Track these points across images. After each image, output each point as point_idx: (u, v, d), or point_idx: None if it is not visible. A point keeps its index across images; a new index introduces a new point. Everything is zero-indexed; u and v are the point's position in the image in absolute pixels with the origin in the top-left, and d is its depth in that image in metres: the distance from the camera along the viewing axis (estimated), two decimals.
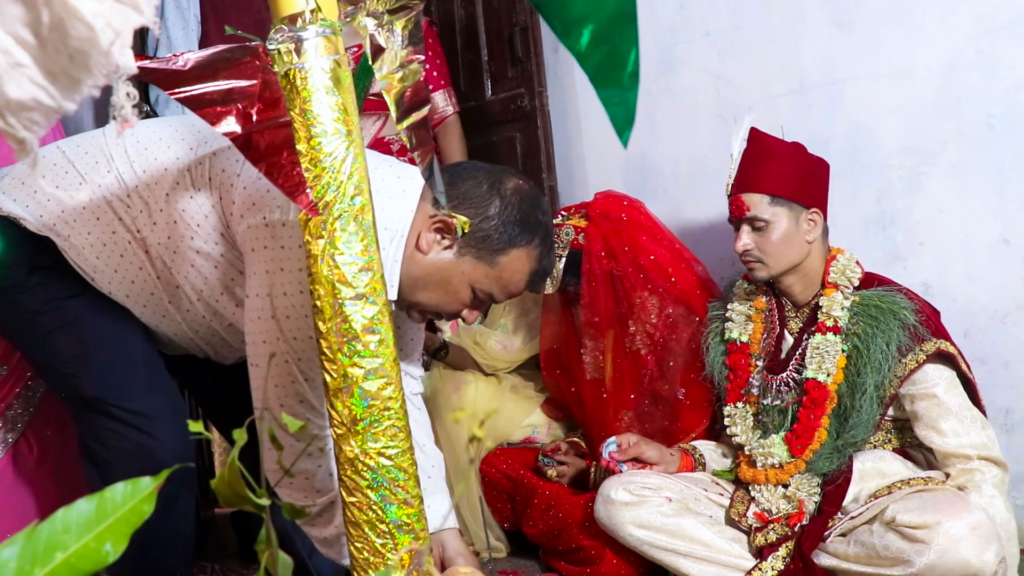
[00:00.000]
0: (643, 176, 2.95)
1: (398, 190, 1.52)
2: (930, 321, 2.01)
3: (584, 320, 2.44)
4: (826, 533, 1.99)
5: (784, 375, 2.14)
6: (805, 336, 2.12)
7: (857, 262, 2.13)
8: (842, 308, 2.06)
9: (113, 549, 0.65)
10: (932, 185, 2.38)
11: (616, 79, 0.90)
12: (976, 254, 2.32)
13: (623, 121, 0.91)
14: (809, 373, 2.07)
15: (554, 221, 2.51)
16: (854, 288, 2.09)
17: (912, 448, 2.11)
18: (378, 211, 1.27)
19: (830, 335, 2.06)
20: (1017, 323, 2.28)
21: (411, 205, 1.54)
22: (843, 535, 1.97)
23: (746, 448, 2.17)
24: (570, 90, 3.19)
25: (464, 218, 1.51)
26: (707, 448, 2.31)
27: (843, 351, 2.05)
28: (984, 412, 2.03)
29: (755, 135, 2.13)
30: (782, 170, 2.08)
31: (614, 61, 0.91)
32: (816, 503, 2.06)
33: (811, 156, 2.14)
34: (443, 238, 1.54)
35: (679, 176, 2.93)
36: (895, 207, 2.45)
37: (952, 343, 2.00)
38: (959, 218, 2.34)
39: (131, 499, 0.66)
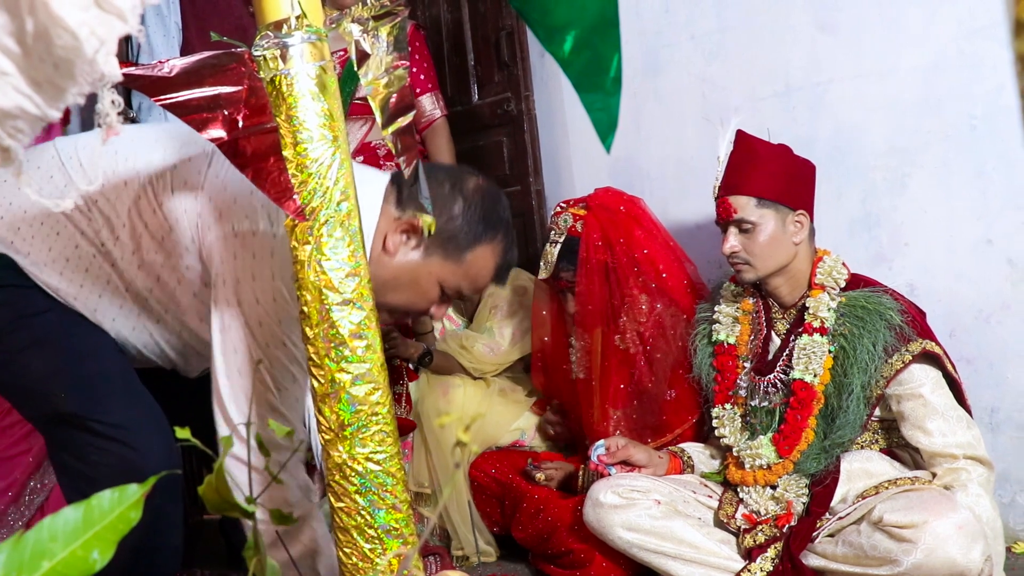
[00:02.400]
0: (629, 178, 2.95)
1: (368, 177, 1.53)
2: (916, 321, 2.02)
3: (577, 309, 2.44)
4: (814, 534, 2.00)
5: (771, 376, 2.15)
6: (792, 337, 2.13)
7: (843, 263, 2.14)
8: (828, 309, 2.07)
9: (100, 557, 0.65)
10: (916, 186, 2.40)
11: (599, 84, 0.91)
12: (960, 254, 2.34)
13: (606, 126, 0.91)
14: (796, 374, 2.08)
15: (554, 210, 2.54)
16: (840, 289, 2.10)
17: (899, 448, 2.12)
18: None
19: (817, 336, 2.07)
20: (1001, 323, 2.29)
21: (377, 198, 1.55)
22: (831, 535, 1.98)
23: (734, 450, 2.17)
24: (556, 94, 3.20)
25: (430, 218, 1.50)
26: (695, 450, 2.32)
27: (830, 352, 2.06)
28: (970, 411, 2.04)
29: (741, 137, 2.14)
30: (769, 172, 2.09)
31: (597, 66, 0.91)
32: (804, 504, 2.07)
33: (797, 158, 2.15)
34: (409, 239, 1.56)
35: (665, 178, 2.94)
36: (880, 208, 2.46)
37: (938, 343, 2.02)
38: (943, 218, 2.36)
39: (118, 506, 0.66)
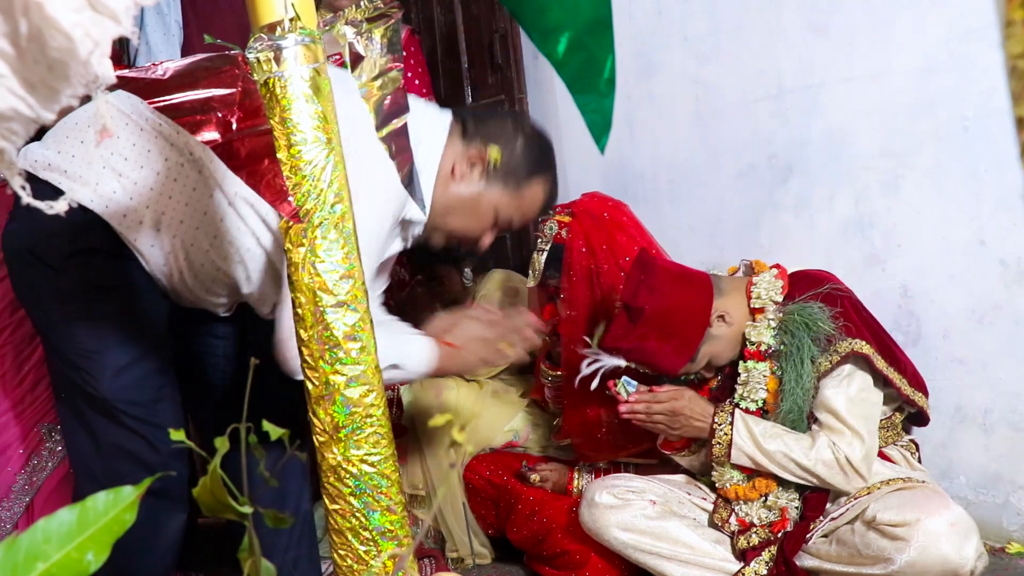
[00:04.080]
0: (623, 181, 2.96)
1: (433, 113, 1.67)
2: (849, 323, 2.01)
3: (563, 316, 2.44)
4: (808, 535, 2.00)
5: (728, 401, 2.14)
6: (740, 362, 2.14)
7: (778, 269, 2.14)
8: (768, 330, 2.06)
9: (95, 559, 0.64)
10: (909, 187, 2.40)
11: (593, 86, 0.91)
12: (953, 255, 2.34)
13: (600, 127, 0.92)
14: (740, 402, 2.09)
15: (542, 218, 2.54)
16: (778, 304, 2.08)
17: (891, 448, 2.12)
18: (415, 130, 1.46)
19: (753, 362, 2.07)
20: (994, 323, 2.30)
21: (443, 131, 1.69)
22: (825, 536, 1.99)
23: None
24: (550, 96, 3.20)
25: (497, 151, 1.69)
26: None
27: (773, 372, 2.06)
28: (913, 404, 2.07)
29: (615, 334, 2.09)
30: (668, 338, 2.06)
31: (591, 68, 0.91)
32: (798, 509, 2.07)
33: (663, 284, 2.07)
34: (474, 168, 1.72)
35: (658, 180, 2.94)
36: (873, 210, 2.47)
37: (869, 342, 2.01)
38: (936, 220, 2.36)
39: (113, 508, 0.66)
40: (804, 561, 1.99)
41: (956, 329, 2.33)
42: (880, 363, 2.00)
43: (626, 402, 2.10)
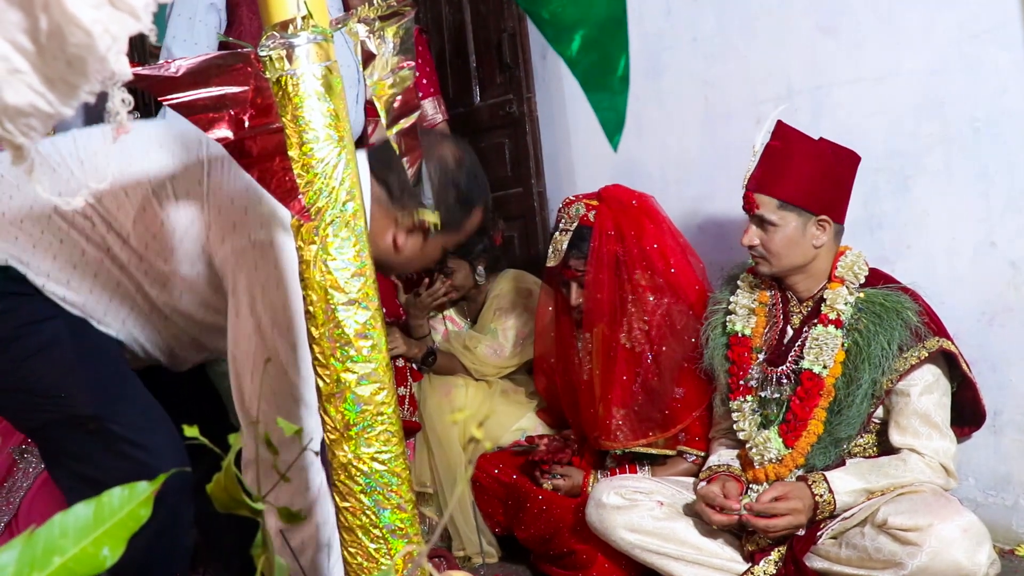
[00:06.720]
0: (631, 180, 2.94)
1: None
2: (932, 322, 2.04)
3: (586, 298, 2.43)
4: (818, 533, 1.99)
5: (783, 367, 2.14)
6: (806, 328, 2.13)
7: (865, 260, 2.15)
8: (846, 303, 2.08)
9: (111, 553, 0.65)
10: (918, 188, 2.40)
11: (606, 84, 0.91)
12: (963, 256, 2.34)
13: (613, 125, 0.92)
14: (805, 364, 2.08)
15: (563, 202, 2.54)
16: (860, 285, 2.11)
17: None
18: None
19: (831, 328, 2.07)
20: (1004, 325, 2.29)
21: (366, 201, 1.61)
22: (834, 537, 1.98)
23: (748, 443, 2.16)
24: (558, 95, 3.20)
25: (435, 217, 1.64)
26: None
27: (842, 345, 2.06)
28: (984, 412, 2.10)
29: (780, 131, 2.13)
30: (799, 175, 2.08)
31: (604, 66, 0.91)
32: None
33: (836, 157, 2.14)
34: (415, 234, 1.69)
35: (667, 180, 2.94)
36: (882, 211, 2.47)
37: (953, 343, 2.04)
38: (945, 221, 2.36)
39: (128, 503, 0.66)
40: (814, 563, 1.98)
41: (965, 331, 2.32)
42: (964, 364, 2.04)
43: (744, 516, 2.00)
